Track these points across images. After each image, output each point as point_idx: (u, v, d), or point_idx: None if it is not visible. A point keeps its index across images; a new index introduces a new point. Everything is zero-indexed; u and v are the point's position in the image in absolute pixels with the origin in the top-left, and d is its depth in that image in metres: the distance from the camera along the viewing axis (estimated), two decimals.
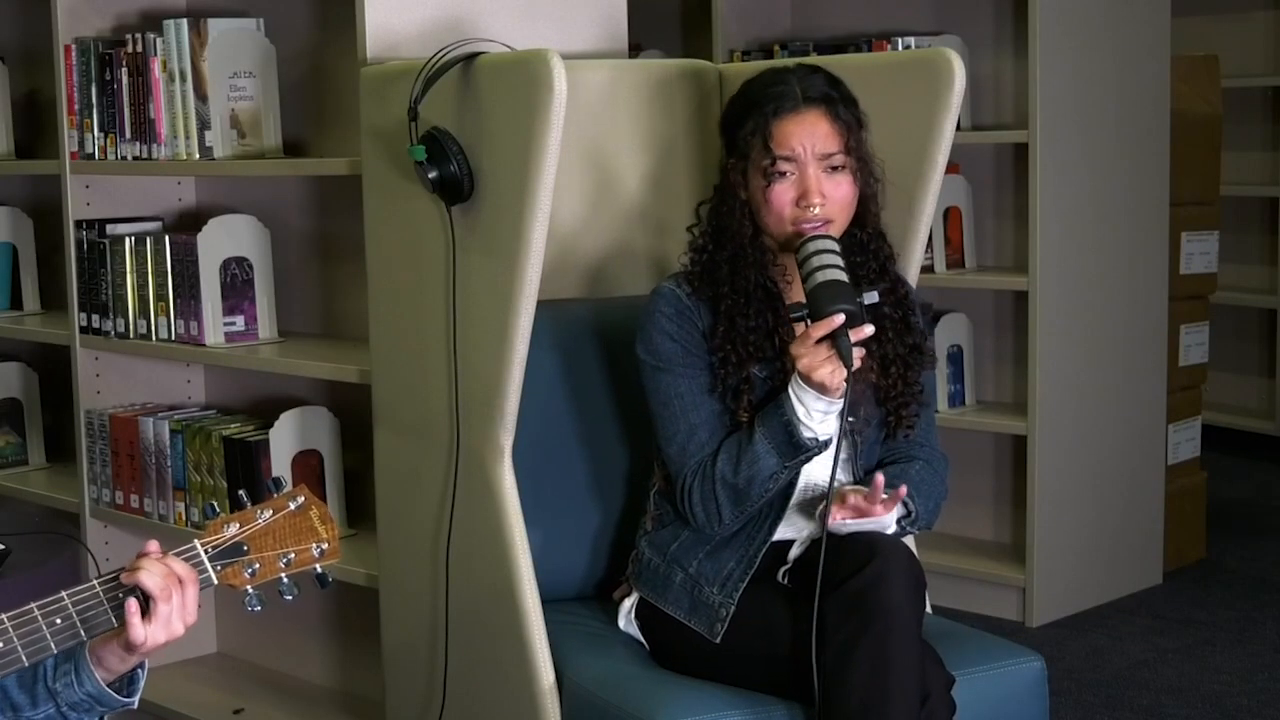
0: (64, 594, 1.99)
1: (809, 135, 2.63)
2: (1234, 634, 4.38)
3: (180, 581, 2.03)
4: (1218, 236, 5.08)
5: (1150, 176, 4.67)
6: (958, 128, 2.96)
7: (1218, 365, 5.57)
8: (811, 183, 2.63)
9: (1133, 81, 4.58)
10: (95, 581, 2.01)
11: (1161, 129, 4.69)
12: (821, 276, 2.55)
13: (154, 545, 2.07)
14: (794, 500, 2.72)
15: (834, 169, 2.65)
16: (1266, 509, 5.72)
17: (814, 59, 3.20)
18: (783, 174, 2.64)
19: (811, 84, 2.67)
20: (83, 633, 2.00)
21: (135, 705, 2.13)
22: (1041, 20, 4.30)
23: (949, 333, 4.64)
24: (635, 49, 4.75)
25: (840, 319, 2.51)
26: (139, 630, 2.00)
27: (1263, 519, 5.56)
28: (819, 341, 2.53)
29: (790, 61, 2.83)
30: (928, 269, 4.54)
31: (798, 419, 2.59)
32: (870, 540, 2.56)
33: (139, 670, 2.12)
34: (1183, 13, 5.13)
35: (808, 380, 2.56)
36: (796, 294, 2.67)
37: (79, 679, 2.07)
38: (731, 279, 2.69)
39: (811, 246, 2.59)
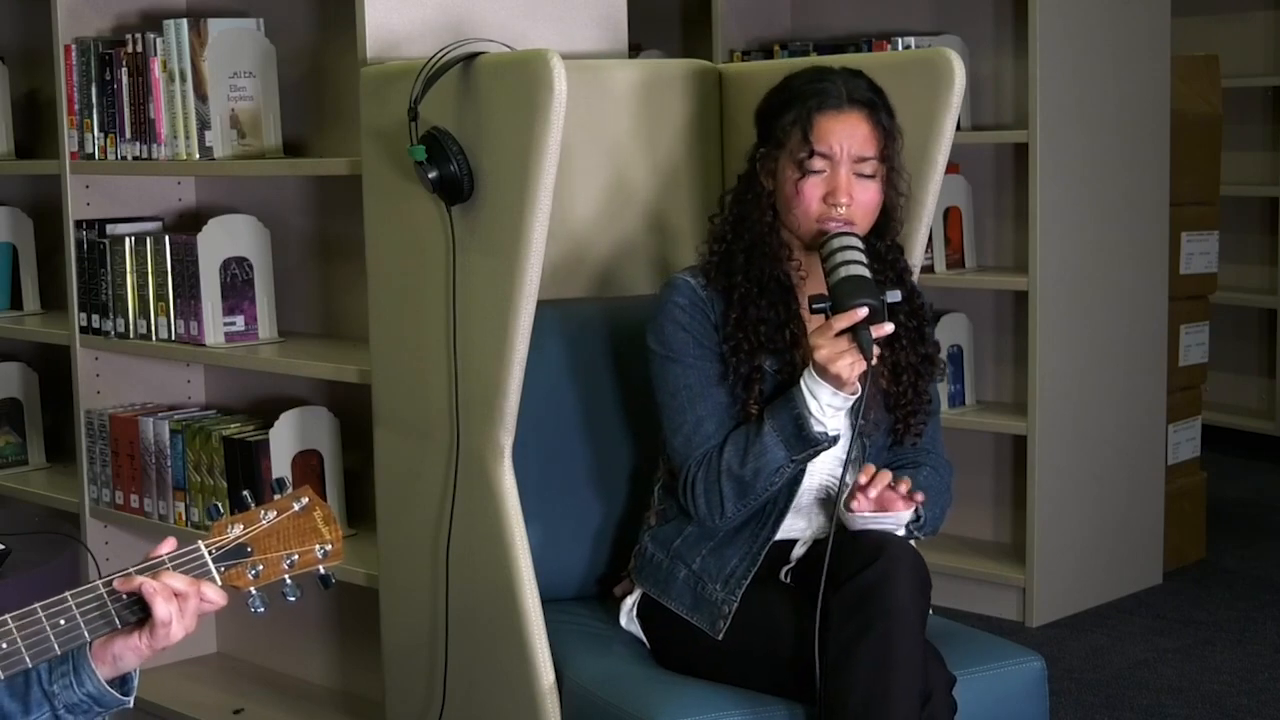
0: (68, 594, 1.99)
1: (848, 135, 2.65)
2: (1234, 634, 4.38)
3: (177, 595, 2.03)
4: (1218, 236, 5.08)
5: (1150, 176, 4.67)
6: (958, 128, 2.96)
7: (1218, 365, 5.57)
8: (842, 182, 2.64)
9: (1133, 81, 4.58)
10: (99, 582, 2.01)
11: (1161, 129, 4.69)
12: (846, 271, 2.57)
13: (170, 544, 2.07)
14: (803, 500, 2.72)
15: (865, 176, 2.66)
16: (1266, 509, 5.72)
17: (813, 59, 3.20)
18: (817, 171, 2.65)
19: (856, 86, 2.69)
20: (86, 634, 1.99)
21: (131, 704, 2.13)
22: (1041, 20, 4.29)
23: (949, 333, 4.64)
24: (635, 49, 4.74)
25: (864, 312, 2.53)
26: (164, 608, 2.00)
27: (1263, 519, 5.56)
28: (840, 334, 2.54)
29: (834, 60, 2.84)
30: (928, 269, 4.54)
31: (809, 412, 2.59)
32: (877, 539, 2.57)
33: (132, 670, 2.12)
34: (1183, 13, 5.13)
35: (823, 373, 2.56)
36: (811, 290, 2.68)
37: (79, 679, 2.06)
38: (746, 269, 2.71)
39: (837, 242, 2.61)
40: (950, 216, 4.64)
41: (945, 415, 4.58)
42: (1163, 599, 4.66)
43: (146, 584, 2.00)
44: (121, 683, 2.11)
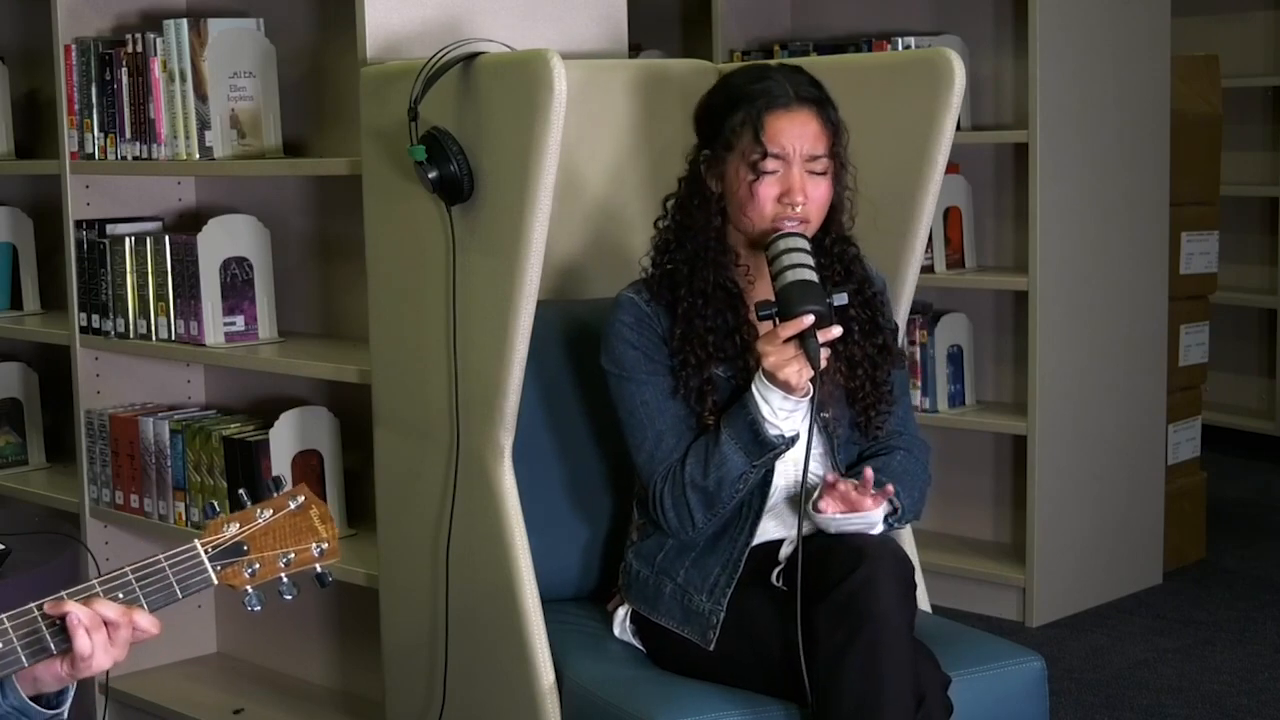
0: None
1: (800, 134, 2.64)
2: (1234, 634, 4.38)
3: (107, 623, 1.99)
4: (1218, 236, 5.08)
5: (1150, 176, 4.67)
6: (958, 128, 2.96)
7: (1218, 365, 5.57)
8: (796, 181, 2.64)
9: (1133, 81, 4.58)
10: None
11: (1161, 129, 4.69)
12: (792, 276, 2.56)
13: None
14: (780, 498, 2.71)
15: (816, 173, 2.65)
16: (1266, 509, 5.72)
17: (813, 59, 3.20)
18: (770, 171, 2.64)
19: (801, 84, 2.68)
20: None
21: (65, 715, 2.09)
22: (1041, 20, 4.30)
23: (949, 333, 4.64)
24: (635, 49, 4.74)
25: (809, 320, 2.52)
26: (84, 641, 1.97)
27: (1263, 519, 5.57)
28: (786, 341, 2.53)
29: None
30: (928, 269, 4.54)
31: (762, 417, 2.59)
32: (858, 543, 2.56)
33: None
34: (1183, 13, 5.13)
35: (773, 379, 2.56)
36: (759, 294, 2.68)
37: (3, 694, 2.03)
38: (690, 279, 2.69)
39: (782, 245, 2.59)
40: (950, 216, 4.65)
41: (945, 415, 4.60)
42: (1163, 599, 4.66)
43: (72, 615, 1.96)
44: (57, 693, 2.08)
